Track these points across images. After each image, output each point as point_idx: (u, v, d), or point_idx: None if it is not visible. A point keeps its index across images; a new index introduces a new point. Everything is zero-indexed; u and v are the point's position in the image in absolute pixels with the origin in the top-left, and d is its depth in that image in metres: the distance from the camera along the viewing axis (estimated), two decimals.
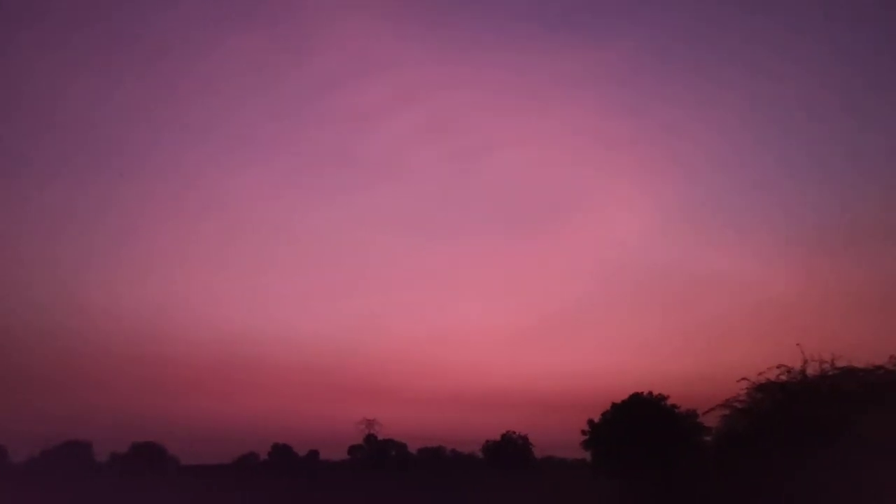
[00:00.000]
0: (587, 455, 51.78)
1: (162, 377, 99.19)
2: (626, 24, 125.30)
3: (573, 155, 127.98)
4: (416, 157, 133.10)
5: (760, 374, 22.91)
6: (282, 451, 79.05)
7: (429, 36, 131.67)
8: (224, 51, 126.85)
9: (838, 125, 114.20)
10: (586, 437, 50.29)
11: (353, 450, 77.81)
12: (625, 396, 47.21)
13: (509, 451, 63.80)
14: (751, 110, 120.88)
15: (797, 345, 22.34)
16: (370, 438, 76.87)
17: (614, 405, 48.62)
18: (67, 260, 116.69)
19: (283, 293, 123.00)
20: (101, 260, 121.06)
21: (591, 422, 49.34)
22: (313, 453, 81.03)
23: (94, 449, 74.74)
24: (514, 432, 65.01)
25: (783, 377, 22.53)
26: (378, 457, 74.73)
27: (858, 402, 21.00)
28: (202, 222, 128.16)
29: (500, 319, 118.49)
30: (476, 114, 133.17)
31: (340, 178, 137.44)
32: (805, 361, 22.16)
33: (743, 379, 23.33)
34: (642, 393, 47.15)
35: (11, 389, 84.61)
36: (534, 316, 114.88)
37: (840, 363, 21.72)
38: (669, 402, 46.27)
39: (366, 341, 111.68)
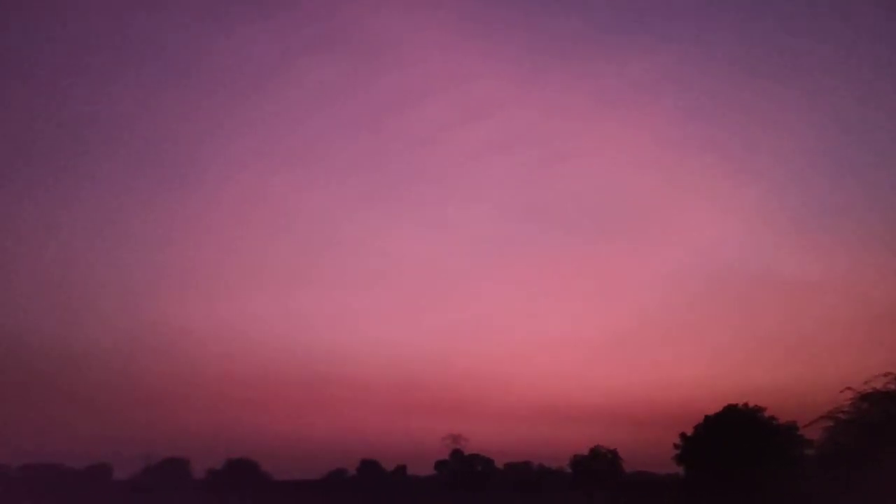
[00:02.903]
0: (679, 470, 49.63)
1: (253, 394, 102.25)
2: (700, 26, 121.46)
3: (652, 161, 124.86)
4: (493, 170, 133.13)
5: (866, 382, 21.53)
6: (370, 467, 79.83)
7: (498, 50, 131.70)
8: (298, 72, 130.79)
9: None
10: (679, 451, 48.10)
11: (439, 465, 77.74)
12: (716, 409, 45.20)
13: (598, 465, 62.23)
14: (844, 105, 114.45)
15: None
16: (456, 453, 76.63)
17: (707, 418, 46.39)
18: (143, 280, 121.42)
19: (368, 309, 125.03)
20: (178, 279, 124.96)
21: (683, 435, 47.20)
22: (401, 468, 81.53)
23: (191, 466, 77.64)
24: (603, 446, 63.38)
25: (892, 386, 21.08)
26: (465, 472, 74.45)
27: None
28: (283, 240, 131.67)
29: (585, 331, 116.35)
30: (550, 123, 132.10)
31: (418, 193, 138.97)
32: None
33: (847, 388, 21.99)
34: (737, 404, 44.79)
35: (114, 410, 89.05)
36: (619, 327, 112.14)
37: None
38: (766, 413, 43.90)
39: (451, 355, 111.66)
